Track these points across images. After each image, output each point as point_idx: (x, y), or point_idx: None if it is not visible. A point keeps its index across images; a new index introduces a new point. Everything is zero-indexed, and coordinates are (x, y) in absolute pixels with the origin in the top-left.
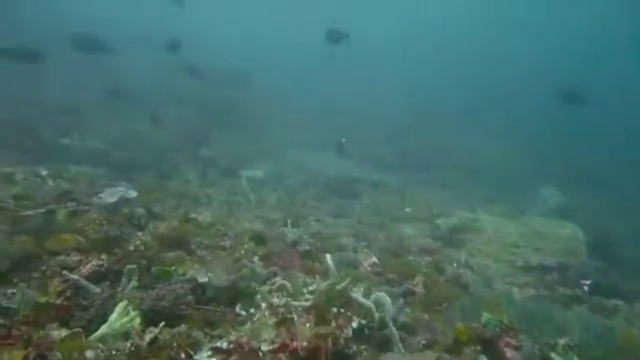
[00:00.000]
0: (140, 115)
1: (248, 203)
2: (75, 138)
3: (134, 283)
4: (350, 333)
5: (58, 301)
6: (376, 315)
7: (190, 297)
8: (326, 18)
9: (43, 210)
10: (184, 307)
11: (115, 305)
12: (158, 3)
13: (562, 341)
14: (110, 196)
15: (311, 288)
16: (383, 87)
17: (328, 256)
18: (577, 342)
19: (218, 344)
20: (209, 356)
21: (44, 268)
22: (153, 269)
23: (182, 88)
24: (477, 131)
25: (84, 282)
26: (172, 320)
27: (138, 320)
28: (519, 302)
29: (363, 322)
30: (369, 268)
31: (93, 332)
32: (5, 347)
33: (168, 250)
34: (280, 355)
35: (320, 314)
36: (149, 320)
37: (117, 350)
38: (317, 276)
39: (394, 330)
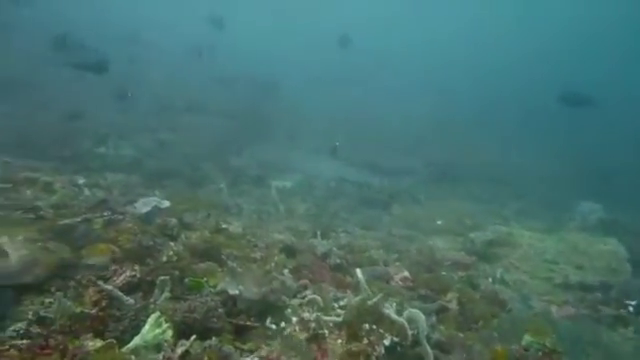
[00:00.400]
0: (170, 124)
1: (277, 213)
2: (110, 147)
3: (166, 294)
4: (382, 351)
5: (93, 311)
6: (409, 332)
7: (221, 310)
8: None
9: (79, 219)
10: (215, 320)
11: (148, 316)
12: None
13: None
14: (144, 206)
15: (342, 303)
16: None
17: (359, 270)
18: None
19: (249, 359)
20: None
21: (80, 277)
22: (185, 280)
23: (213, 97)
24: (505, 141)
25: (118, 293)
26: (203, 333)
27: (170, 332)
28: (561, 323)
29: (396, 339)
30: (400, 283)
31: (126, 343)
32: (42, 357)
33: (199, 261)
34: None
35: (352, 330)
36: (180, 332)
37: None
38: (348, 290)
39: (428, 349)
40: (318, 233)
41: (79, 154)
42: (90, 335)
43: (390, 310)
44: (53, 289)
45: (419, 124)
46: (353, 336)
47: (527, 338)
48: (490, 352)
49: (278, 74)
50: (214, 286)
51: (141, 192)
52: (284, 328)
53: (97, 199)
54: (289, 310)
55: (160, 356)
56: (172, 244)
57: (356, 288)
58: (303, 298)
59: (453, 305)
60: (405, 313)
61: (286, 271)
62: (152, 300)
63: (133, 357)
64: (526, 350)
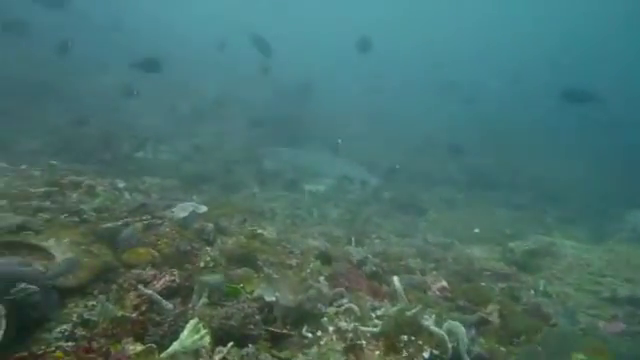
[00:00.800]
0: (205, 128)
1: (311, 218)
2: (149, 151)
3: (204, 300)
4: None
5: (134, 315)
6: (449, 345)
7: (258, 317)
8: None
9: (120, 223)
10: (252, 327)
11: (186, 322)
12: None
13: None
14: (182, 211)
15: (379, 313)
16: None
17: (396, 279)
18: None
19: None
20: None
21: (121, 281)
22: (222, 286)
23: (246, 99)
24: (547, 147)
25: (158, 297)
26: (240, 340)
27: (208, 339)
28: (619, 341)
29: (435, 352)
30: (438, 293)
31: (165, 348)
32: None
33: (236, 267)
34: None
35: (390, 341)
36: (218, 339)
37: None
38: (385, 300)
39: None
40: (353, 239)
41: (119, 158)
42: (131, 339)
43: (429, 321)
44: (96, 292)
45: (451, 130)
46: (391, 347)
47: (580, 357)
48: None
49: (310, 77)
50: (250, 292)
51: (179, 197)
52: (320, 337)
53: (137, 203)
54: (325, 319)
55: None
56: (208, 249)
57: (393, 297)
58: (339, 307)
59: (494, 317)
60: (445, 325)
61: (322, 278)
62: (190, 305)
63: None
64: None
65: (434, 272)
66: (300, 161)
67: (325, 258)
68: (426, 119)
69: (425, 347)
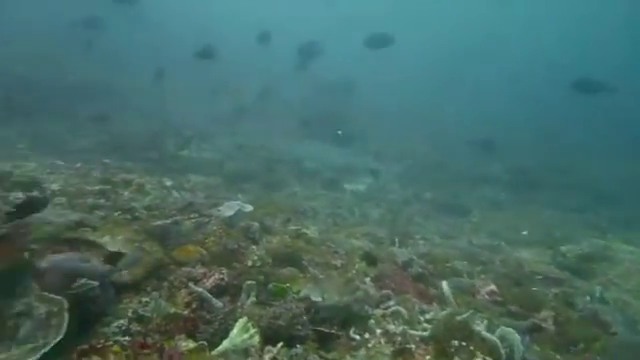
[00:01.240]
0: (247, 126)
1: (352, 217)
2: (193, 149)
3: (252, 299)
4: None
5: (185, 312)
6: (502, 352)
7: (305, 317)
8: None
9: (170, 221)
10: (299, 327)
11: (235, 320)
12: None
13: None
14: (228, 209)
15: (428, 316)
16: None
17: (444, 283)
18: None
19: None
20: None
21: (172, 278)
22: (269, 286)
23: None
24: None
25: (208, 295)
26: (288, 340)
27: (257, 338)
28: None
29: (487, 359)
30: (487, 297)
31: (216, 345)
32: (143, 357)
33: (281, 266)
34: None
35: (440, 346)
36: (266, 338)
37: None
38: (433, 303)
39: None
40: (396, 240)
41: (165, 156)
42: (183, 336)
43: (481, 327)
44: (149, 289)
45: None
46: (441, 352)
47: None
48: None
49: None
50: (297, 292)
51: (224, 195)
52: (368, 340)
53: (184, 201)
54: (372, 321)
55: None
56: (254, 247)
57: (441, 301)
58: (386, 309)
59: (548, 324)
60: (497, 331)
61: (367, 279)
62: (239, 304)
63: None
64: None
65: (482, 275)
66: (341, 161)
67: (370, 259)
68: (468, 117)
69: (477, 353)
